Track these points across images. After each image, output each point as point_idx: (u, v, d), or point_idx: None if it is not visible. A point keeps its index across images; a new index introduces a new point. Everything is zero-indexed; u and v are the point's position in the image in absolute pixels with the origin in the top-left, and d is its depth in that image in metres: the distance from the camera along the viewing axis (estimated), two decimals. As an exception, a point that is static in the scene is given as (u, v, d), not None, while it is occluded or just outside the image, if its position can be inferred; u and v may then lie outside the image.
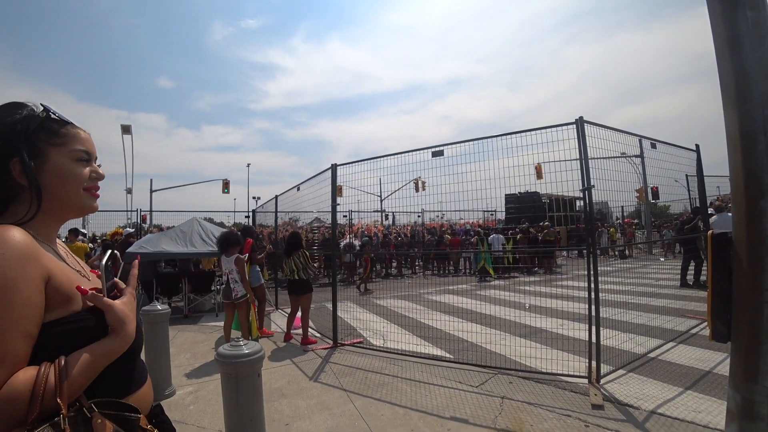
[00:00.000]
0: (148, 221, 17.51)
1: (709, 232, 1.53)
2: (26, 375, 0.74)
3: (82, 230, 11.86)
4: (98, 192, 1.00)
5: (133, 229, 12.38)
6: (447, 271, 14.67)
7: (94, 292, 0.87)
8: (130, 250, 7.69)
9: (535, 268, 13.13)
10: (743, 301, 1.40)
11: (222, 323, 5.58)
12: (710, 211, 7.79)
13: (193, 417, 3.40)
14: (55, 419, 0.73)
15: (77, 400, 0.80)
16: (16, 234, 0.79)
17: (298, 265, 5.71)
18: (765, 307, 1.32)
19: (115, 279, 0.97)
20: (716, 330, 1.50)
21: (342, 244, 11.93)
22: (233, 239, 5.28)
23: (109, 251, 0.99)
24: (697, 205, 7.35)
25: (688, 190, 6.92)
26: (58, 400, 0.74)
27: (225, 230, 6.78)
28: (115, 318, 0.87)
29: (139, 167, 60.98)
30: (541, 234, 14.07)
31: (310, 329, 5.77)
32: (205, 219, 10.82)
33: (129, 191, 22.16)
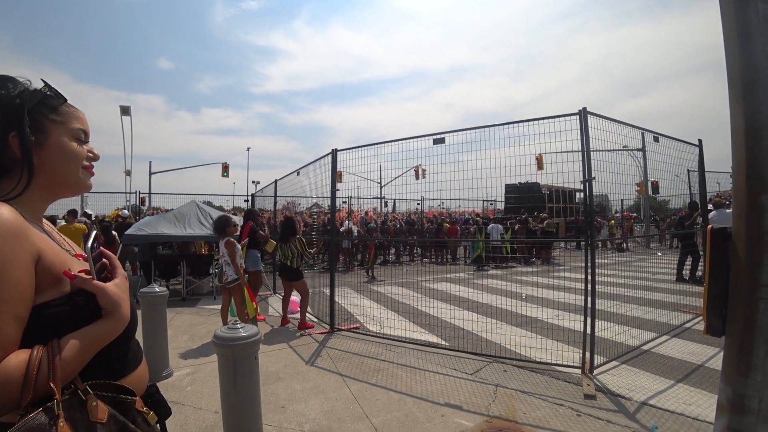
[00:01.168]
0: (147, 203, 17.48)
1: (709, 226, 1.53)
2: (18, 359, 0.73)
3: (88, 211, 11.82)
4: (94, 170, 0.99)
5: (128, 213, 12.30)
6: (445, 260, 14.72)
7: (82, 275, 0.85)
8: (128, 232, 7.70)
9: (533, 259, 13.19)
10: (739, 297, 1.40)
11: (220, 306, 5.61)
12: (709, 207, 7.79)
13: (190, 398, 3.45)
14: (48, 404, 0.72)
15: (72, 382, 0.79)
16: (4, 211, 0.76)
17: (293, 251, 5.70)
18: (761, 303, 1.33)
19: (104, 260, 0.95)
20: (711, 324, 1.51)
21: (340, 230, 11.93)
22: (222, 223, 5.27)
23: (94, 233, 0.97)
24: (696, 200, 7.35)
25: (689, 186, 6.91)
26: (51, 384, 0.73)
27: (221, 214, 6.75)
28: (108, 301, 0.85)
29: (138, 149, 60.69)
30: (540, 225, 14.09)
31: (306, 314, 5.81)
32: (204, 202, 10.80)
33: (128, 173, 22.05)
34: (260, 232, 6.41)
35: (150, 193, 18.44)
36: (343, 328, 5.49)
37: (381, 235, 13.74)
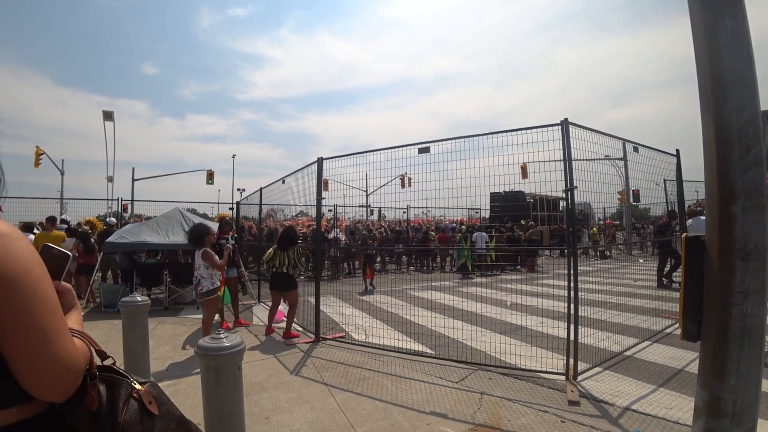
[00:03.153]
0: (129, 210, 17.16)
1: (683, 235, 1.58)
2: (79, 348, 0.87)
3: (65, 218, 11.51)
4: None
5: (115, 221, 12.05)
6: (431, 268, 14.74)
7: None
8: (109, 239, 7.54)
9: (518, 267, 13.31)
10: (713, 303, 1.45)
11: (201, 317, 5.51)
12: None
13: (171, 409, 3.36)
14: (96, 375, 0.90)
15: None
16: (15, 228, 0.84)
17: (290, 259, 5.66)
18: (733, 309, 1.37)
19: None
20: (687, 330, 1.55)
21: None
22: (199, 233, 5.10)
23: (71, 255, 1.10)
24: (674, 209, 7.56)
25: (666, 194, 7.10)
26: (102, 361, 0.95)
27: (196, 223, 6.51)
28: (74, 296, 1.01)
29: (120, 155, 59.53)
30: (525, 234, 14.26)
31: (292, 323, 5.75)
32: (188, 210, 10.65)
33: (110, 179, 21.62)
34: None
35: (133, 200, 18.12)
36: (328, 337, 5.45)
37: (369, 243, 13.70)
